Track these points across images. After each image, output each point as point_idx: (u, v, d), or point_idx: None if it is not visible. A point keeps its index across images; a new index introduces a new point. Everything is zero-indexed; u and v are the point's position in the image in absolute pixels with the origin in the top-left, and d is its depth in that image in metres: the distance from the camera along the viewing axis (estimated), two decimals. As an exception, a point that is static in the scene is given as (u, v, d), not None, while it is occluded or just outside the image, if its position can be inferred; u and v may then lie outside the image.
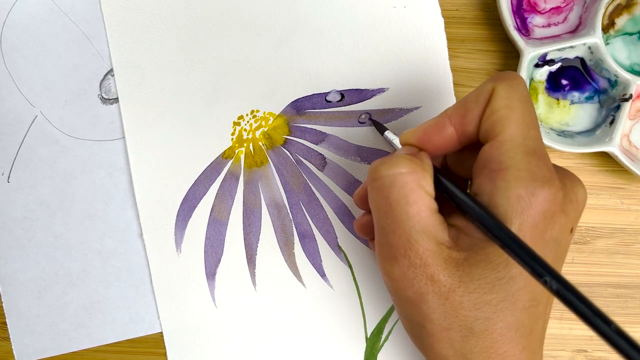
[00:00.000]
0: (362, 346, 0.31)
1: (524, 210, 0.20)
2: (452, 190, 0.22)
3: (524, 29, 0.31)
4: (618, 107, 0.29)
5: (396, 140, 0.27)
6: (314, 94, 0.31)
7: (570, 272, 0.31)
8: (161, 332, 0.31)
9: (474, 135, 0.23)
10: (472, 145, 0.23)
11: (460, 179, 0.26)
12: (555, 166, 0.23)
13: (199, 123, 0.31)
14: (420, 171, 0.22)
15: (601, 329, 0.17)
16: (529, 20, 0.31)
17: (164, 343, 0.31)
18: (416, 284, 0.22)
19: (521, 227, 0.20)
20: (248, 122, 0.31)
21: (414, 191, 0.22)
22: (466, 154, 0.25)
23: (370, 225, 0.26)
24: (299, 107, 0.31)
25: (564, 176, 0.23)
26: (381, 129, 0.29)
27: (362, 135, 0.31)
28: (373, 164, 0.23)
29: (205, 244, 0.31)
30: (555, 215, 0.21)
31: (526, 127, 0.21)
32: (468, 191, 0.23)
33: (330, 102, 0.31)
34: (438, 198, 0.23)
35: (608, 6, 0.30)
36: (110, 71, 0.31)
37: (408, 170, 0.22)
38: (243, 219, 0.31)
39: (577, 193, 0.23)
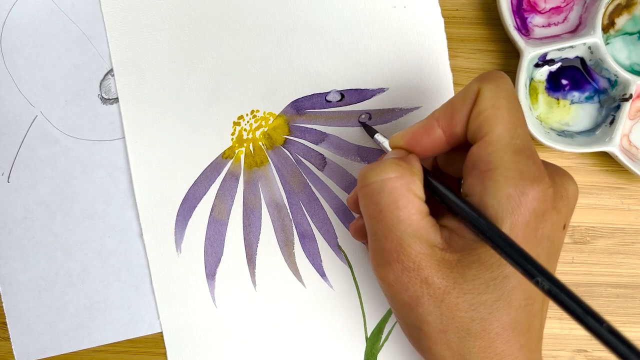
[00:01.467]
0: (362, 346, 0.31)
1: (515, 210, 0.20)
2: (442, 192, 0.22)
3: (524, 28, 0.31)
4: (618, 107, 0.29)
5: (386, 143, 0.27)
6: (314, 94, 0.31)
7: (570, 272, 0.31)
8: (161, 332, 0.31)
9: (462, 136, 0.23)
10: (462, 146, 0.23)
11: (452, 179, 0.26)
12: (544, 162, 0.23)
13: (199, 123, 0.31)
14: (408, 175, 0.22)
15: (593, 328, 0.17)
16: (529, 20, 0.31)
17: (164, 343, 0.31)
18: (411, 287, 0.22)
19: (512, 226, 0.20)
20: (248, 122, 0.31)
21: (404, 195, 0.22)
22: (456, 155, 0.25)
23: (365, 228, 0.26)
24: (299, 107, 0.31)
25: (553, 172, 0.23)
26: (371, 132, 0.29)
27: (362, 135, 0.31)
28: (362, 171, 0.23)
29: (205, 244, 0.31)
30: (547, 212, 0.21)
31: (513, 126, 0.21)
32: (461, 190, 0.23)
33: (330, 102, 0.31)
34: (429, 200, 0.23)
35: (608, 6, 0.30)
36: (110, 71, 0.31)
37: (396, 175, 0.22)
38: (243, 219, 0.31)
39: (567, 189, 0.23)
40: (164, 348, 0.31)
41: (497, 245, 0.20)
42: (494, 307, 0.21)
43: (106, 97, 0.32)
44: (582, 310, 0.18)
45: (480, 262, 0.21)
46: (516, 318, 0.21)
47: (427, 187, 0.23)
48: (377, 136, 0.28)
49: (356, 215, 0.31)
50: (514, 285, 0.21)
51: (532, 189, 0.20)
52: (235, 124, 0.31)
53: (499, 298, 0.21)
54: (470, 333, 0.21)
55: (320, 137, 0.31)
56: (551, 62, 0.30)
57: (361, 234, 0.27)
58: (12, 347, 0.31)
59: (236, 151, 0.31)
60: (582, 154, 0.31)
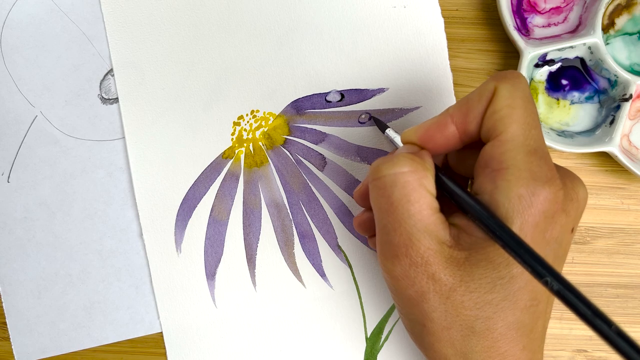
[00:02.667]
0: (362, 346, 0.31)
1: (525, 210, 0.20)
2: (453, 190, 0.22)
3: (524, 29, 0.31)
4: (618, 107, 0.29)
5: (397, 139, 0.27)
6: (314, 94, 0.31)
7: (570, 272, 0.31)
8: (161, 332, 0.31)
9: (476, 134, 0.23)
10: (474, 144, 0.23)
11: (461, 178, 0.26)
12: (556, 166, 0.23)
13: (199, 123, 0.31)
14: (421, 170, 0.22)
15: (601, 330, 0.17)
16: (529, 20, 0.31)
17: (164, 343, 0.31)
18: (417, 282, 0.22)
19: (522, 226, 0.20)
20: (248, 122, 0.31)
21: (415, 190, 0.22)
22: (467, 153, 0.25)
23: (369, 222, 0.26)
24: (299, 107, 0.31)
25: (564, 176, 0.23)
26: (382, 127, 0.29)
27: (362, 135, 0.31)
28: (374, 163, 0.23)
29: (205, 244, 0.31)
30: (556, 214, 0.21)
31: (528, 127, 0.21)
32: (469, 190, 0.23)
33: (330, 102, 0.31)
34: (439, 197, 0.23)
35: (608, 6, 0.30)
36: (110, 71, 0.31)
37: (409, 169, 0.22)
38: (243, 219, 0.31)
39: (578, 192, 0.23)
40: (164, 348, 0.31)
41: (506, 245, 0.20)
42: (499, 307, 0.21)
43: (106, 97, 0.32)
44: (591, 311, 0.18)
45: (488, 261, 0.21)
46: (520, 319, 0.21)
47: (438, 184, 0.23)
48: (389, 131, 0.28)
49: (356, 215, 0.31)
50: (520, 286, 0.21)
51: (543, 190, 0.20)
52: (235, 124, 0.31)
53: (504, 298, 0.21)
54: (474, 331, 0.21)
55: (320, 137, 0.31)
56: (551, 62, 0.30)
57: (364, 228, 0.27)
58: (12, 347, 0.31)
59: (236, 151, 0.31)
60: (582, 154, 0.31)
